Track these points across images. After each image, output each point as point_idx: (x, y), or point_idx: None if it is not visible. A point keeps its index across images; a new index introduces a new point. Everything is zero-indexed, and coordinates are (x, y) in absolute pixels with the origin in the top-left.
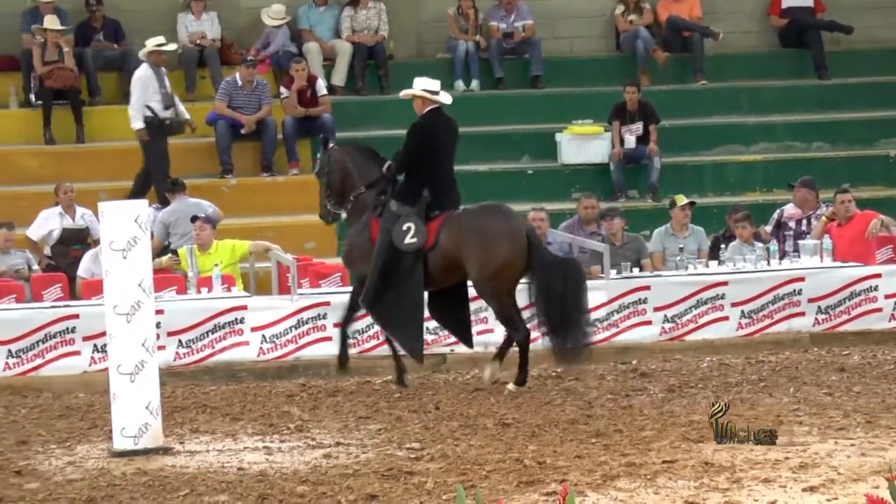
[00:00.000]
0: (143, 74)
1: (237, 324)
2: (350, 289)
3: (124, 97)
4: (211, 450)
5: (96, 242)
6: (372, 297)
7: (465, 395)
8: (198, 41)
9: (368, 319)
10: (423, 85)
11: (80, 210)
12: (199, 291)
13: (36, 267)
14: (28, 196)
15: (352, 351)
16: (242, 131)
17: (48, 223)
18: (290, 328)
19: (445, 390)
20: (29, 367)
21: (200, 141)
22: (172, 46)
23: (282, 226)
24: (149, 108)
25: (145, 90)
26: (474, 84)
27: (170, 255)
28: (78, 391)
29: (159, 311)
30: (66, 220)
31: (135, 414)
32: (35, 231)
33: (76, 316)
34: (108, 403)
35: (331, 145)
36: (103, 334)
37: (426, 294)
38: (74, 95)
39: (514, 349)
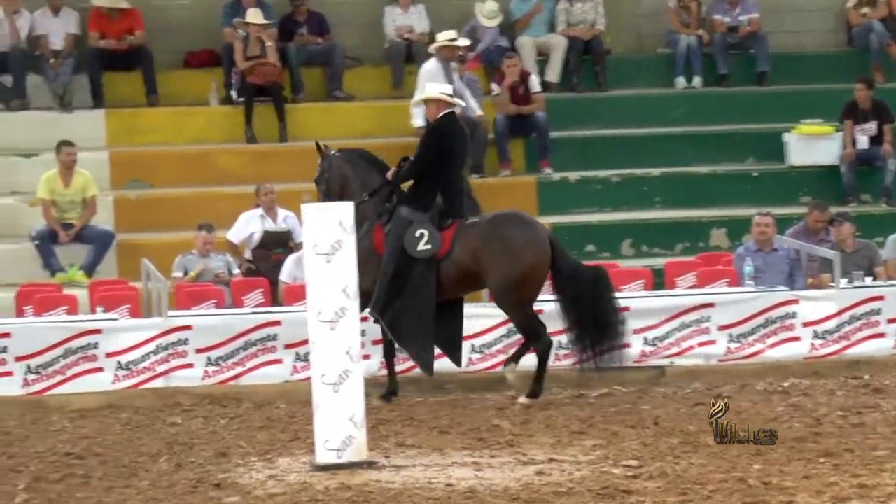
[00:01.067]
0: (430, 68)
1: None
2: None
3: (329, 94)
4: (417, 464)
5: (299, 246)
6: (383, 305)
7: (686, 409)
8: (405, 35)
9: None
10: (437, 89)
11: (281, 212)
12: None
13: (236, 271)
14: (228, 197)
15: (560, 363)
16: None
17: (249, 226)
18: (500, 338)
19: (665, 404)
20: (229, 375)
21: (408, 140)
22: (465, 42)
23: None
24: None
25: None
26: (696, 81)
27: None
28: (279, 401)
29: (363, 319)
30: (267, 222)
31: (338, 426)
32: (236, 234)
33: (278, 323)
34: (310, 414)
35: (331, 151)
36: (306, 342)
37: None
38: (277, 92)
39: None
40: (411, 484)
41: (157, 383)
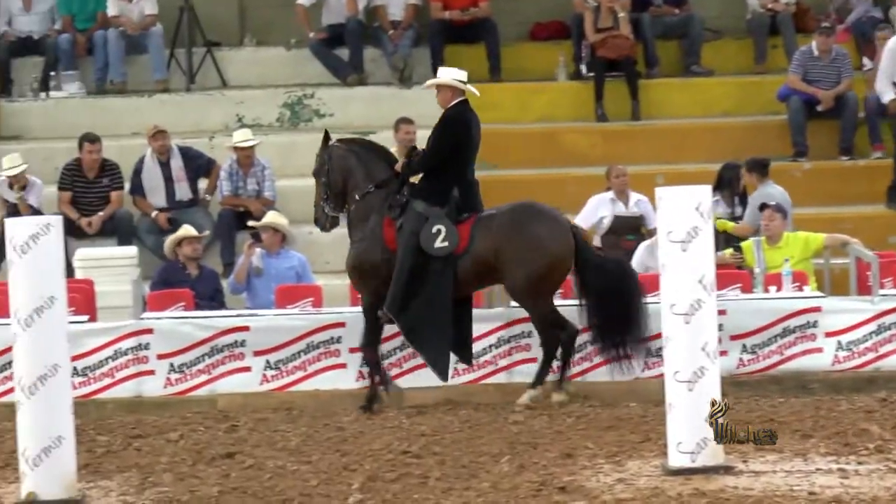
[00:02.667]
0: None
1: (809, 328)
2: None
3: (685, 69)
4: (778, 470)
5: (651, 232)
6: (399, 305)
7: None
8: (769, 6)
9: None
10: (451, 74)
11: (634, 196)
12: (766, 290)
13: None
14: (576, 179)
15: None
16: (819, 108)
17: (599, 210)
18: (870, 334)
19: None
20: (576, 370)
21: (771, 119)
22: None
23: (862, 217)
24: None
25: None
26: None
27: (731, 249)
28: (629, 400)
29: (721, 312)
30: (618, 206)
31: (693, 427)
32: (584, 218)
33: None
34: (662, 414)
35: (331, 141)
36: (658, 336)
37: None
38: (629, 66)
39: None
40: (771, 491)
41: (500, 378)
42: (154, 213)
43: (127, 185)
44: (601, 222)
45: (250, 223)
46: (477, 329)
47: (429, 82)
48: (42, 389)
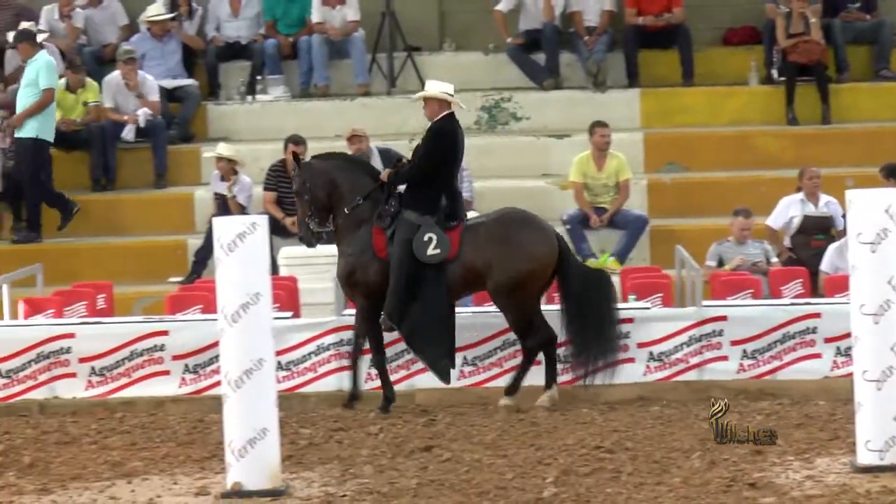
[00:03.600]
0: None
1: None
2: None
3: (876, 74)
4: None
5: (841, 234)
6: (400, 313)
7: None
8: None
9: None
10: (439, 87)
11: (823, 197)
12: None
13: (775, 259)
14: (766, 182)
15: None
16: None
17: (789, 210)
18: None
19: None
20: (765, 369)
21: None
22: None
23: None
24: None
25: None
26: None
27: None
28: (818, 398)
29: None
30: (808, 206)
31: (881, 425)
32: (775, 219)
33: (818, 315)
34: (851, 413)
35: (305, 158)
36: (847, 336)
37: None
38: (820, 71)
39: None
40: None
41: (690, 376)
42: None
43: None
44: (791, 222)
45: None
46: (668, 328)
47: (417, 95)
48: (248, 383)
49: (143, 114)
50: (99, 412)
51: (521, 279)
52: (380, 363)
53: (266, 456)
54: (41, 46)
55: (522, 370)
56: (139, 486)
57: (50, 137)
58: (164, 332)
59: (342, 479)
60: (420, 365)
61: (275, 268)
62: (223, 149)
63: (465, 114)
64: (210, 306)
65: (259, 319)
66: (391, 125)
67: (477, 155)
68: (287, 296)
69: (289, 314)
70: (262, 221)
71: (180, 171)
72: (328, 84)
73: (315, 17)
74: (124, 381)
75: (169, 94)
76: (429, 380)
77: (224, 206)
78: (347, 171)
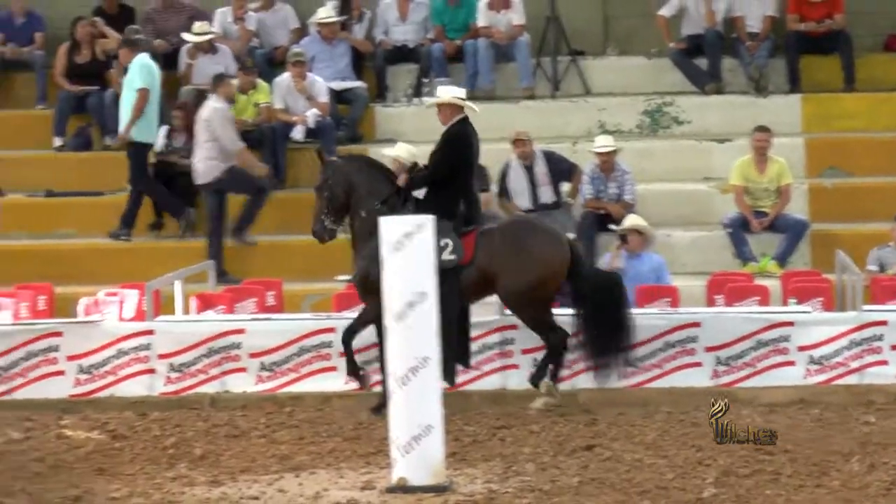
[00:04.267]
0: None
1: None
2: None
3: None
4: None
5: None
6: None
7: None
8: None
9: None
10: (451, 92)
11: None
12: None
13: None
14: None
15: None
16: None
17: None
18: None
19: None
20: None
21: None
22: None
23: None
24: None
25: None
26: None
27: None
28: None
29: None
30: None
31: None
32: None
33: None
34: None
35: (332, 158)
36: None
37: None
38: None
39: None
40: None
41: (851, 379)
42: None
43: (494, 188)
44: None
45: (610, 226)
46: (829, 332)
47: (429, 100)
48: (413, 380)
49: (312, 115)
50: (268, 406)
51: (534, 284)
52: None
53: (430, 452)
54: (141, 49)
55: (556, 366)
56: (306, 480)
57: (150, 140)
58: (332, 329)
59: (504, 476)
60: (582, 364)
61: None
62: (400, 150)
63: (628, 118)
64: None
65: (424, 318)
66: (554, 128)
67: (638, 158)
68: None
69: None
70: (429, 221)
71: None
72: (493, 87)
73: (481, 21)
74: (293, 376)
75: (338, 96)
76: (590, 380)
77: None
78: (367, 175)
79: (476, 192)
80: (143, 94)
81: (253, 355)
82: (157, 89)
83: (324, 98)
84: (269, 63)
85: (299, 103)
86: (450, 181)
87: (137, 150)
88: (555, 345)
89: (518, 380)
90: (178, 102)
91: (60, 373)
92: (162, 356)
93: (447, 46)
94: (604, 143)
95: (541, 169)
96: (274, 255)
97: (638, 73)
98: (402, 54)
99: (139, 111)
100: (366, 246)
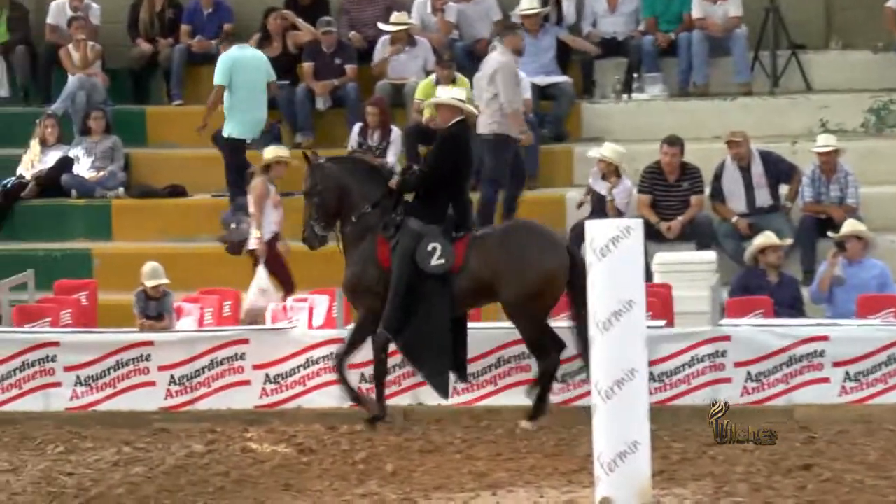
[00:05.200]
0: None
1: None
2: None
3: None
4: None
5: None
6: (397, 325)
7: None
8: None
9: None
10: (450, 94)
11: None
12: None
13: None
14: None
15: None
16: None
17: None
18: None
19: None
20: None
21: None
22: None
23: None
24: None
25: None
26: None
27: None
28: None
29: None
30: None
31: None
32: None
33: None
34: None
35: (319, 160)
36: None
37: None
38: None
39: None
40: None
41: None
42: (734, 219)
43: (707, 190)
44: None
45: (830, 234)
46: None
47: (428, 101)
48: (619, 394)
49: None
50: (464, 420)
51: (532, 293)
52: (380, 374)
53: (636, 470)
54: (232, 42)
55: (544, 390)
56: (504, 499)
57: (244, 135)
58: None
59: (715, 496)
60: (799, 379)
61: (648, 274)
62: (607, 150)
63: (851, 116)
64: None
65: (632, 328)
66: (773, 126)
67: (862, 159)
68: (660, 304)
69: (662, 323)
70: (637, 225)
71: (552, 171)
72: (707, 82)
73: (696, 12)
74: (490, 388)
75: (541, 92)
76: (810, 395)
77: (600, 206)
78: (360, 177)
79: (469, 197)
80: (218, 91)
81: None
82: (253, 82)
83: (527, 94)
84: (469, 56)
85: None
86: (443, 185)
87: (232, 147)
88: (546, 369)
89: (730, 394)
90: (372, 98)
91: (246, 382)
92: (353, 366)
93: (659, 39)
94: (825, 142)
95: (757, 170)
96: None
97: (863, 68)
98: (610, 47)
99: (213, 106)
100: (356, 251)
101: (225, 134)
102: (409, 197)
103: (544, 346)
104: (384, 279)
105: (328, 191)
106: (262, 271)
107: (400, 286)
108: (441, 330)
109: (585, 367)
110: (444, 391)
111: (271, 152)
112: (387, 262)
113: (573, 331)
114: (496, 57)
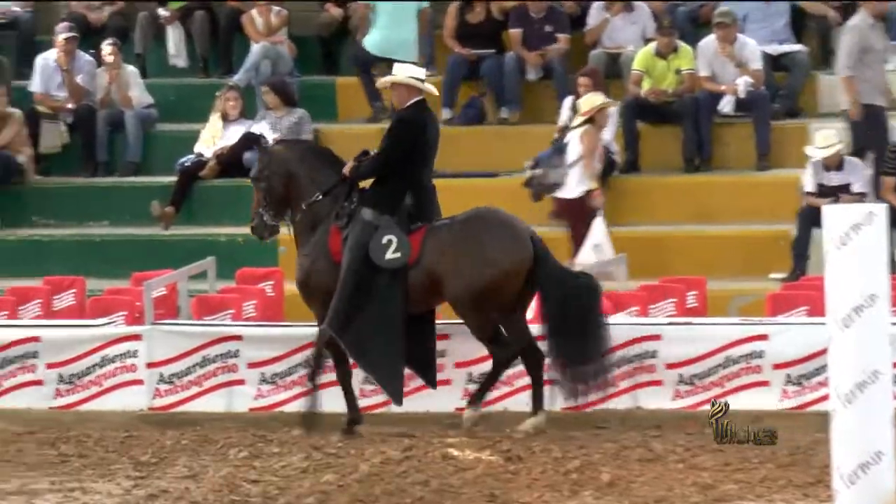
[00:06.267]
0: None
1: None
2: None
3: None
4: None
5: None
6: (341, 322)
7: None
8: None
9: None
10: (407, 72)
11: None
12: None
13: None
14: None
15: None
16: None
17: None
18: None
19: None
20: None
21: None
22: None
23: None
24: None
25: None
26: None
27: None
28: None
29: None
30: None
31: None
32: None
33: None
34: None
35: (270, 143)
36: None
37: None
38: None
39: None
40: None
41: None
42: None
43: None
44: None
45: None
46: None
47: (381, 80)
48: (860, 398)
49: (743, 84)
50: (688, 426)
51: (482, 288)
52: (343, 378)
53: (880, 483)
54: None
55: (489, 380)
56: None
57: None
58: (764, 337)
59: None
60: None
61: (894, 265)
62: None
63: None
64: (817, 308)
65: (874, 324)
66: None
67: None
68: None
69: None
70: (881, 211)
71: (785, 151)
72: None
73: None
74: (717, 391)
75: (774, 62)
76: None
77: (832, 191)
78: (309, 162)
79: (429, 184)
80: None
81: (670, 366)
82: None
83: (756, 64)
84: (692, 23)
85: (727, 70)
86: (398, 171)
87: None
88: (500, 361)
89: None
90: (585, 69)
91: (447, 382)
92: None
93: None
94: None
95: None
96: (695, 248)
97: None
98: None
99: None
100: (308, 242)
101: None
102: (365, 185)
103: (499, 339)
104: (337, 273)
105: (275, 176)
106: (599, 224)
107: (348, 281)
108: (393, 329)
109: (558, 366)
110: (397, 397)
111: (588, 102)
112: (339, 254)
113: (541, 329)
114: (853, 22)
